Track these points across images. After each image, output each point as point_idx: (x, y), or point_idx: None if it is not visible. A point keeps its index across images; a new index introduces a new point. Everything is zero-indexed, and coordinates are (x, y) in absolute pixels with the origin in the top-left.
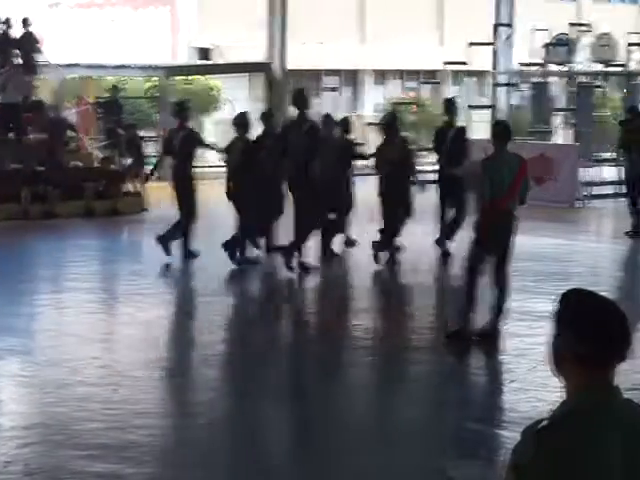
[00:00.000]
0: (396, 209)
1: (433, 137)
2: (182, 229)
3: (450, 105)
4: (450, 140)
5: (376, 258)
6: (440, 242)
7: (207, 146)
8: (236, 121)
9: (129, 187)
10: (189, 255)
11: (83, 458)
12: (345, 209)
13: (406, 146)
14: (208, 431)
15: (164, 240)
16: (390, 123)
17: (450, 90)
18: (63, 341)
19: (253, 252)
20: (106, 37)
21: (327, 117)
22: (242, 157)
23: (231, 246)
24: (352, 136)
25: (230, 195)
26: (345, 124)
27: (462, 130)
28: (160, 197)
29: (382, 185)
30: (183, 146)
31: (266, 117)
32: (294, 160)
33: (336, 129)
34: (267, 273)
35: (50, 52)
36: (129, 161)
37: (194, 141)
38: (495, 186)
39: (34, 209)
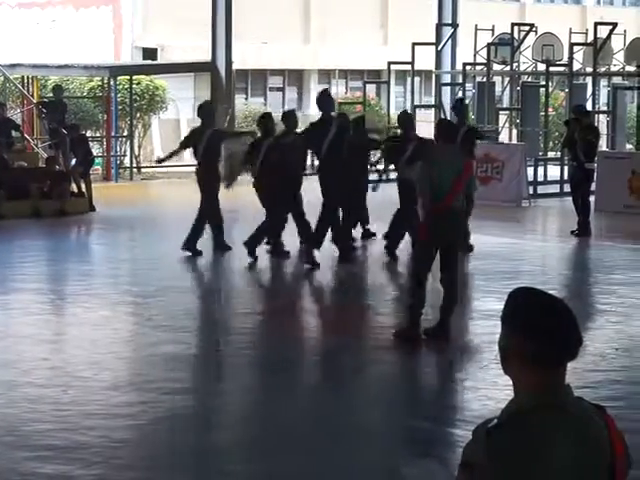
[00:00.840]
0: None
1: None
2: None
3: (459, 105)
4: (460, 139)
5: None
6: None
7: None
8: (259, 123)
9: (74, 187)
10: (193, 250)
11: (33, 459)
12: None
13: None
14: (158, 431)
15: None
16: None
17: (394, 90)
18: (11, 342)
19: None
20: (48, 37)
21: (342, 116)
22: (271, 154)
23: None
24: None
25: (258, 192)
26: (360, 123)
27: (473, 130)
28: (107, 197)
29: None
30: (210, 145)
31: (287, 117)
32: (323, 158)
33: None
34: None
35: None
36: (74, 161)
37: (220, 138)
38: (437, 185)
39: None
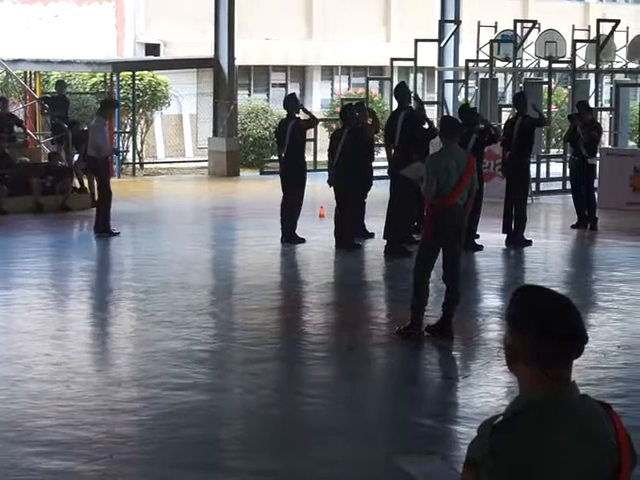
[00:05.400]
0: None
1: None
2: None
3: (519, 98)
4: (517, 130)
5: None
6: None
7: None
8: (341, 113)
9: (76, 183)
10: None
11: (35, 455)
12: None
13: None
14: (161, 427)
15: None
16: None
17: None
18: (14, 338)
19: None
20: (51, 32)
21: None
22: (347, 145)
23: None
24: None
25: (332, 182)
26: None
27: (530, 120)
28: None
29: None
30: (294, 136)
31: (360, 108)
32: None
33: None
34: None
35: None
36: (76, 157)
37: (303, 130)
38: (442, 183)
39: None
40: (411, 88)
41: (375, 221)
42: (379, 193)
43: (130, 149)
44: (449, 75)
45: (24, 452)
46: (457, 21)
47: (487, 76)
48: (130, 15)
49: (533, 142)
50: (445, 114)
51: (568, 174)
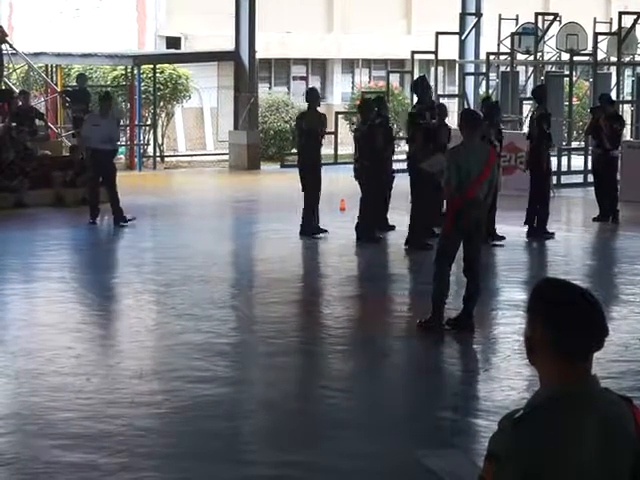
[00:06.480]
0: None
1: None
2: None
3: (539, 91)
4: (533, 123)
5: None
6: None
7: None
8: (359, 107)
9: None
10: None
11: (57, 448)
12: None
13: None
14: (181, 420)
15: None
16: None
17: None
18: (35, 331)
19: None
20: (72, 26)
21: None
22: (368, 140)
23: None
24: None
25: (357, 176)
26: (442, 110)
27: (544, 115)
28: (130, 186)
29: None
30: (311, 130)
31: (380, 102)
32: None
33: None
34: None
35: (17, 41)
36: None
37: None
38: (463, 175)
39: (3, 198)
40: (432, 81)
41: (397, 214)
42: (401, 186)
43: (151, 142)
44: (470, 68)
45: (45, 445)
46: (478, 14)
47: (508, 69)
48: (151, 8)
49: (550, 134)
50: (466, 107)
51: (590, 167)
